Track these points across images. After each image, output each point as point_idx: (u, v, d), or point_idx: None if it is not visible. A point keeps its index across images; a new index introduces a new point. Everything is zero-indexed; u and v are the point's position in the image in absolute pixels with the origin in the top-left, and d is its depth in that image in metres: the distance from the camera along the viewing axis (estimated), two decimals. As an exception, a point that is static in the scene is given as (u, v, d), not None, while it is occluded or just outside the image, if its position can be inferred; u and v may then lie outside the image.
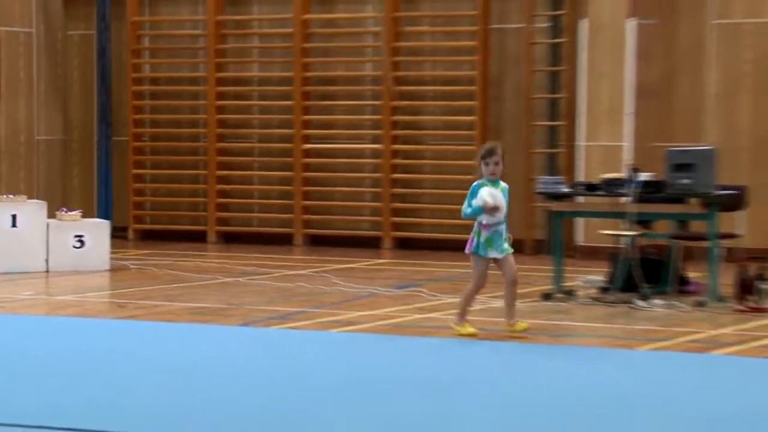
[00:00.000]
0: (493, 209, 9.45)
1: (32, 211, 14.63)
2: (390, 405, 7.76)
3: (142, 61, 18.83)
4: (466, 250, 9.80)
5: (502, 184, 9.71)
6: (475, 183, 9.68)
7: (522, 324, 9.78)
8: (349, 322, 11.08)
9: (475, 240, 9.62)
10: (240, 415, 7.29)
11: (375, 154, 17.47)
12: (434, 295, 12.62)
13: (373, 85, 17.49)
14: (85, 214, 15.49)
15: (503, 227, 9.65)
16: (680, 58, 16.13)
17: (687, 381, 8.87)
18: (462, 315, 9.79)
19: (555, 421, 7.36)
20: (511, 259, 9.92)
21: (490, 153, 9.66)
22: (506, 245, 9.74)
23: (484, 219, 9.53)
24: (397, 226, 17.41)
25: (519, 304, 11.53)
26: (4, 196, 15.15)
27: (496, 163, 9.57)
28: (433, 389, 8.23)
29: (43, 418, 6.73)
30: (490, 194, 9.43)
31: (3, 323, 11.31)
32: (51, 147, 18.24)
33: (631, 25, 15.80)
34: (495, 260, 9.70)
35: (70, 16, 18.71)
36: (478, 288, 9.84)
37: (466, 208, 9.70)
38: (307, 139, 17.68)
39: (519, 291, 12.30)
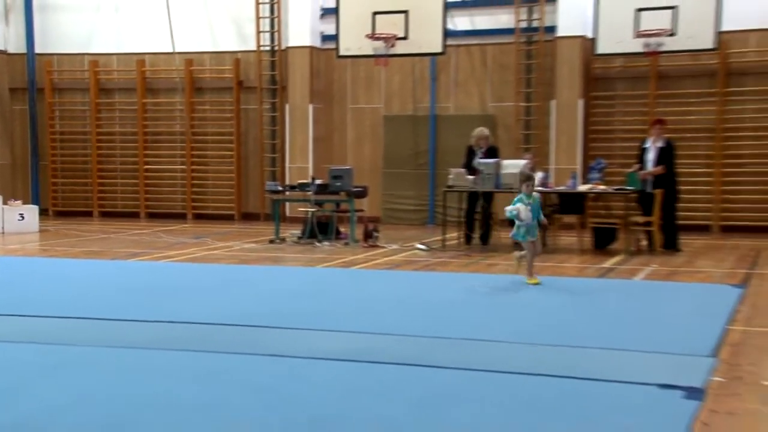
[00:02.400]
0: (519, 218, 8.25)
1: (-6, 201, 14.42)
2: (193, 297, 8.03)
3: (54, 122, 18.17)
4: (510, 235, 8.89)
5: (535, 195, 8.47)
6: (516, 197, 8.43)
7: (534, 279, 8.37)
8: (171, 257, 11.09)
9: (515, 231, 8.39)
10: (111, 303, 7.54)
11: (183, 170, 17.34)
12: (215, 243, 12.75)
13: (181, 135, 17.31)
14: (25, 203, 15.42)
15: (534, 223, 8.31)
16: (335, 125, 16.48)
17: (344, 281, 9.34)
18: (530, 273, 8.44)
19: (281, 303, 7.86)
20: (539, 241, 8.80)
21: (529, 178, 8.54)
22: (537, 232, 8.52)
23: (517, 221, 8.35)
24: (194, 207, 17.42)
25: (258, 245, 12.23)
26: (-23, 195, 14.87)
27: (533, 185, 8.49)
28: (214, 289, 8.51)
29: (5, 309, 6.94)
30: (516, 208, 8.21)
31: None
32: (4, 168, 17.88)
33: (311, 108, 16.07)
34: (532, 241, 8.39)
35: (14, 99, 18.11)
36: (532, 256, 8.46)
37: (506, 211, 8.51)
38: (147, 162, 17.55)
39: (260, 239, 12.95)
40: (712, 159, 14.24)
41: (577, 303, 7.73)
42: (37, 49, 17.87)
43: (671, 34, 12.50)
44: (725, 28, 12.76)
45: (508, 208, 8.41)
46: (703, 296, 7.96)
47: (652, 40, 12.64)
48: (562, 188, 12.11)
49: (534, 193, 8.44)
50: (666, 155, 11.57)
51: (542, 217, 8.66)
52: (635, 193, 11.54)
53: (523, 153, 13.98)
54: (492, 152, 12.38)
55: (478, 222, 12.36)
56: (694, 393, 4.81)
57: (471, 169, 12.04)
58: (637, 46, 12.76)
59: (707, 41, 12.56)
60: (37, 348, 5.77)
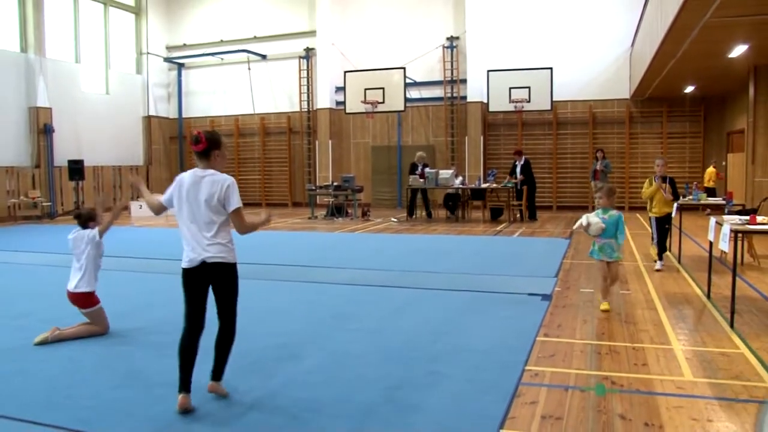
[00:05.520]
0: (583, 227, 4.44)
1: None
2: (265, 250, 7.35)
3: (191, 156, 17.08)
4: (589, 254, 4.68)
5: (612, 211, 4.45)
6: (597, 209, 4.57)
7: (605, 304, 4.42)
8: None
9: (592, 247, 4.56)
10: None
11: (259, 177, 16.14)
12: (277, 219, 11.62)
13: (258, 159, 16.16)
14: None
15: (611, 242, 4.46)
16: (343, 152, 15.35)
17: (352, 240, 8.68)
18: (603, 295, 4.50)
19: (316, 252, 7.30)
20: (617, 265, 4.55)
21: (597, 190, 4.68)
22: (615, 254, 4.47)
23: (586, 232, 4.49)
24: (266, 198, 16.13)
25: (302, 220, 11.32)
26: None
27: (600, 197, 4.46)
28: (277, 245, 7.84)
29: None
30: (586, 218, 4.45)
31: None
32: (167, 181, 16.80)
33: (330, 143, 15.04)
34: (607, 262, 4.48)
35: (171, 144, 16.86)
36: (603, 278, 4.50)
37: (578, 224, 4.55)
38: (239, 175, 16.33)
39: (303, 216, 11.91)
40: (551, 169, 14.21)
41: (482, 250, 7.55)
42: (183, 115, 17.39)
43: (528, 101, 12.77)
44: (555, 98, 13.08)
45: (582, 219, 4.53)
46: (549, 245, 7.86)
47: (518, 104, 12.85)
48: (472, 186, 12.00)
49: (613, 210, 4.51)
50: (527, 168, 11.64)
51: (622, 237, 4.50)
52: (512, 188, 11.47)
53: (451, 166, 13.89)
54: (426, 166, 12.06)
55: (420, 206, 12.08)
56: (546, 297, 4.88)
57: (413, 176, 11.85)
58: (510, 107, 12.97)
59: (546, 105, 12.77)
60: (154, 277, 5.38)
